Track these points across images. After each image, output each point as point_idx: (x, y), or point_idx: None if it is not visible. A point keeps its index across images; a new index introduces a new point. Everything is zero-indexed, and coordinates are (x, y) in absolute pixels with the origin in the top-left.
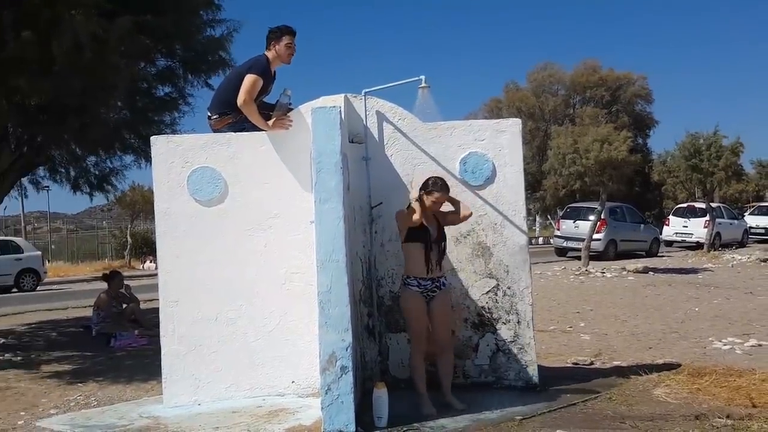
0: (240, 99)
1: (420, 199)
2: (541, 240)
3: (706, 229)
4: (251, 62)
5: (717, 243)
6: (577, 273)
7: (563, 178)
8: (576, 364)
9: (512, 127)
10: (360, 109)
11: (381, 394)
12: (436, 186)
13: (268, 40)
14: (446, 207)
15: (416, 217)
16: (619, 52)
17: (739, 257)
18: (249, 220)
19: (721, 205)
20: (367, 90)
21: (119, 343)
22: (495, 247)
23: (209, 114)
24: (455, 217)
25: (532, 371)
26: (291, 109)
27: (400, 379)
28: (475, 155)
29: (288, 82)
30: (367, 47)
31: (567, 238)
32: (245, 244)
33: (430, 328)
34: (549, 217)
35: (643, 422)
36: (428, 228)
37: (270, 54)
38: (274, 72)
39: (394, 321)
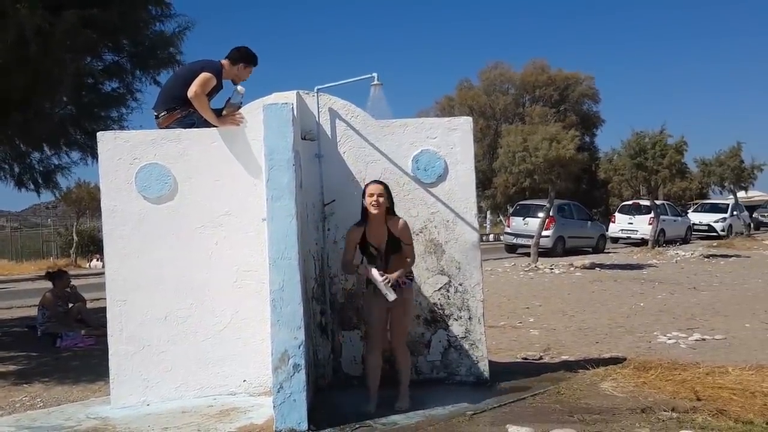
0: (191, 91)
1: (364, 208)
2: (491, 237)
3: (650, 226)
4: (205, 62)
5: (661, 239)
6: (526, 269)
7: (513, 175)
8: (525, 359)
9: (464, 125)
10: (312, 106)
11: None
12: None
13: (237, 56)
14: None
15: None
16: (567, 51)
17: (683, 253)
18: (199, 217)
19: (665, 202)
20: (319, 87)
21: (65, 343)
22: (447, 244)
23: (156, 113)
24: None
25: (483, 367)
26: (241, 106)
27: (352, 377)
28: (428, 153)
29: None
30: (319, 45)
31: (517, 235)
32: (196, 242)
33: (389, 326)
34: (499, 214)
35: (591, 416)
36: (370, 244)
37: (227, 65)
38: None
39: (347, 318)
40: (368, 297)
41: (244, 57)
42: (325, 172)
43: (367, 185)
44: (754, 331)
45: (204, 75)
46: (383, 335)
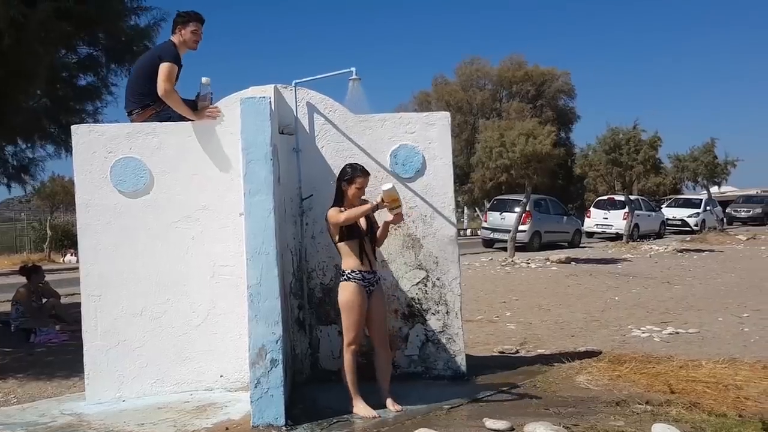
0: (161, 89)
1: (343, 192)
2: (469, 232)
3: (625, 221)
4: (160, 50)
5: (635, 234)
6: (503, 264)
7: (490, 171)
8: (502, 353)
9: (441, 121)
10: (290, 100)
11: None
12: (356, 171)
13: (175, 24)
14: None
15: (343, 216)
16: (543, 47)
17: (657, 248)
18: (176, 212)
19: (639, 197)
20: (297, 81)
21: (40, 338)
22: (425, 238)
23: (128, 111)
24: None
25: (460, 361)
26: (212, 97)
27: (330, 372)
28: (406, 148)
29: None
30: (298, 39)
31: (494, 230)
32: (172, 236)
33: (368, 323)
34: (477, 209)
35: (567, 409)
36: (357, 223)
37: (176, 39)
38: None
39: (325, 313)
40: (348, 291)
41: (177, 20)
42: (303, 166)
43: (354, 175)
44: (726, 324)
45: (165, 67)
46: (363, 331)
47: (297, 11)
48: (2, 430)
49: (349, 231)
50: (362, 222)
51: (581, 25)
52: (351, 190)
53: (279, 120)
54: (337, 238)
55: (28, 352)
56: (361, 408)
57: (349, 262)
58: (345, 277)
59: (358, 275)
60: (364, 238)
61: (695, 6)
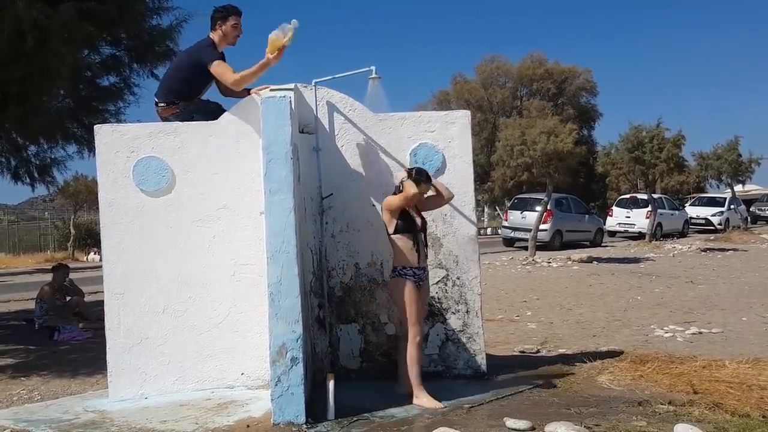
0: (231, 83)
1: (402, 187)
2: (489, 230)
3: (648, 220)
4: (200, 49)
5: (658, 233)
6: (524, 263)
7: (511, 169)
8: (523, 352)
9: (462, 119)
10: (310, 99)
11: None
12: (421, 175)
13: (214, 21)
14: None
15: (412, 191)
16: (564, 44)
17: (680, 247)
18: (197, 211)
19: (662, 196)
20: (317, 80)
21: (63, 336)
22: (445, 237)
23: (156, 100)
24: (439, 200)
25: (481, 360)
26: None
27: (350, 370)
28: (426, 146)
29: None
30: (317, 38)
31: (514, 229)
32: (193, 235)
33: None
34: (497, 208)
35: (588, 409)
36: (414, 217)
37: (216, 36)
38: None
39: (345, 312)
40: (403, 287)
41: (216, 16)
42: (323, 165)
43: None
44: (750, 324)
45: (217, 68)
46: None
47: (316, 10)
48: (26, 426)
49: (404, 224)
50: (418, 218)
51: (603, 23)
52: (411, 190)
53: (299, 119)
54: (391, 229)
55: (52, 350)
56: (424, 400)
57: (402, 258)
58: (397, 273)
59: (410, 272)
60: (418, 233)
61: (720, 4)
